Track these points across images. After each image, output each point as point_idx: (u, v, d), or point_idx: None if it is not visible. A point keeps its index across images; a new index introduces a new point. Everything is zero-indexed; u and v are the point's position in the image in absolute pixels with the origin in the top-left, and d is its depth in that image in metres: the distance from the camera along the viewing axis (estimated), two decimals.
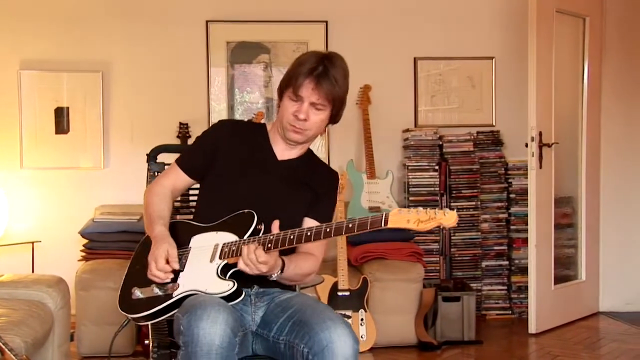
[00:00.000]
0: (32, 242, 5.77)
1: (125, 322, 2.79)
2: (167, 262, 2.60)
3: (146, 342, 2.84)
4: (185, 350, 2.30)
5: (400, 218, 2.37)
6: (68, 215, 5.76)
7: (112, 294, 2.84)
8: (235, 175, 2.81)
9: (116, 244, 5.09)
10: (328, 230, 2.46)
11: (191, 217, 3.01)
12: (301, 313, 2.53)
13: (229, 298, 2.51)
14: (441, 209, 2.36)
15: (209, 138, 2.94)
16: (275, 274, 2.58)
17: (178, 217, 3.16)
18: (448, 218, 2.35)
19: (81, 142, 5.91)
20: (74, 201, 5.84)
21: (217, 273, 2.58)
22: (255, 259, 2.47)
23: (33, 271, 5.70)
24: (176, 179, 2.91)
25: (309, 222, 2.82)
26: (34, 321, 3.93)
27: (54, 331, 4.29)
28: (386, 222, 2.37)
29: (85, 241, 5.31)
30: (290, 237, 2.50)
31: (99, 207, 5.53)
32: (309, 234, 2.49)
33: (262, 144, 2.90)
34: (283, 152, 2.88)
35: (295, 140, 2.80)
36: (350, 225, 2.42)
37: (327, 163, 3.08)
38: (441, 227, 2.38)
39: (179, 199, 3.22)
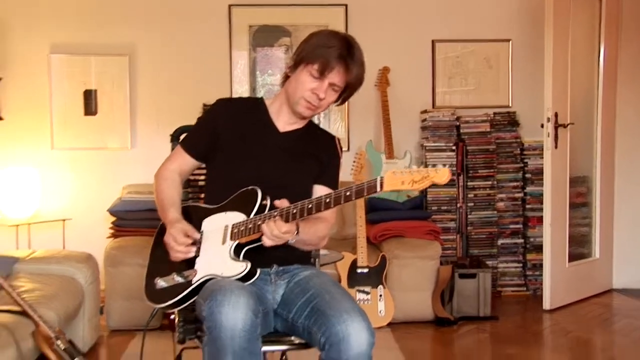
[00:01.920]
0: (63, 220, 5.85)
1: (154, 312, 2.83)
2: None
3: (172, 316, 2.86)
4: (210, 335, 2.31)
5: (395, 180, 2.33)
6: (97, 194, 5.82)
7: (140, 270, 2.87)
8: (239, 153, 2.79)
9: (143, 221, 5.12)
10: (328, 201, 2.42)
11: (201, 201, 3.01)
12: (320, 299, 2.51)
13: (244, 279, 2.51)
14: (434, 166, 2.32)
15: (208, 118, 2.92)
16: (293, 239, 2.54)
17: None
18: (440, 175, 2.30)
19: (109, 124, 5.94)
20: (102, 180, 5.90)
21: (230, 255, 2.57)
22: (278, 232, 2.45)
23: (64, 248, 5.76)
24: (182, 163, 2.90)
25: (319, 190, 2.81)
26: (66, 295, 4.00)
27: (85, 305, 4.35)
28: (382, 186, 2.33)
29: (113, 219, 5.37)
30: (292, 211, 2.47)
31: (127, 186, 5.58)
32: (309, 206, 2.44)
33: (262, 118, 2.86)
34: (285, 125, 2.85)
35: (305, 116, 2.78)
36: (348, 194, 2.38)
37: (328, 130, 2.99)
38: (435, 184, 2.32)
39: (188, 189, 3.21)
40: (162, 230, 2.82)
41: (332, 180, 2.86)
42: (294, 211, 2.47)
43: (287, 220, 2.48)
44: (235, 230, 2.59)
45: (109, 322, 4.99)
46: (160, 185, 2.84)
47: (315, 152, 2.84)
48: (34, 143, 5.93)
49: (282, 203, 2.52)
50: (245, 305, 2.29)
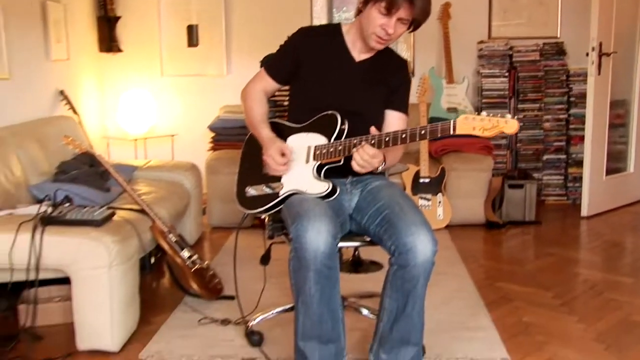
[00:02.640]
0: (172, 135, 5.98)
1: (245, 215, 2.88)
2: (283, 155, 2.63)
3: (262, 216, 2.93)
4: (295, 253, 2.35)
5: (467, 125, 2.32)
6: (199, 113, 5.90)
7: (235, 178, 2.92)
8: (319, 80, 2.74)
9: (237, 136, 5.17)
10: (404, 136, 2.42)
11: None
12: (390, 211, 2.51)
13: (325, 196, 2.54)
14: (503, 117, 2.29)
15: (290, 46, 2.83)
16: (381, 166, 2.53)
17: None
18: (510, 126, 2.29)
19: (208, 54, 5.98)
20: (203, 102, 5.96)
21: (314, 174, 2.59)
22: (368, 158, 2.45)
23: (173, 158, 5.91)
24: (266, 85, 2.87)
25: (390, 114, 2.78)
26: (175, 197, 4.11)
27: (190, 206, 4.48)
28: (454, 130, 2.33)
29: (212, 134, 5.46)
30: (371, 141, 2.45)
31: (223, 107, 5.64)
32: (387, 139, 2.43)
33: (340, 48, 2.77)
34: (360, 54, 2.77)
35: (377, 49, 2.71)
36: (423, 132, 2.39)
37: (398, 54, 2.94)
38: (504, 133, 2.31)
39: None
40: (249, 142, 2.86)
41: (402, 105, 2.82)
42: (372, 142, 2.46)
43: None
44: (318, 152, 2.60)
45: (210, 220, 5.14)
46: (249, 104, 2.85)
47: (386, 79, 2.78)
48: (148, 71, 6.03)
49: (373, 131, 2.49)
50: (327, 231, 2.31)
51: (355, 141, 2.50)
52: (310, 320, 2.44)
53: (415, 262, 2.36)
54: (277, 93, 3.07)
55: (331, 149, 2.56)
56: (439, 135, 2.39)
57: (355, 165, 2.49)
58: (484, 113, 2.33)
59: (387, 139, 2.45)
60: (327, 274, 2.36)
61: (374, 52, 2.76)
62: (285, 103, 3.22)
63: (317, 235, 2.29)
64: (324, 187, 2.55)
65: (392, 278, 2.46)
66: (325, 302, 2.40)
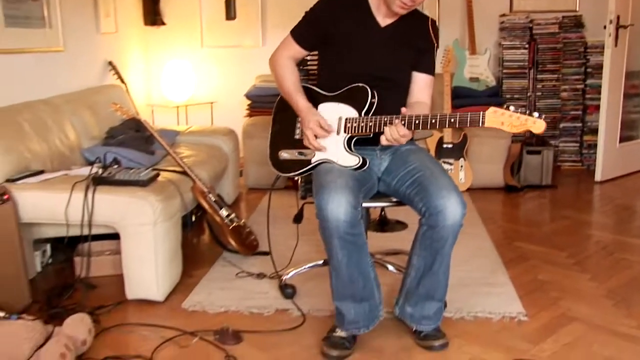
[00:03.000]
0: (211, 103, 5.98)
1: (278, 177, 2.88)
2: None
3: (295, 178, 2.92)
4: (320, 222, 2.35)
5: (496, 119, 2.28)
6: (236, 82, 5.87)
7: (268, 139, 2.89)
8: (345, 46, 2.63)
9: (271, 104, 4.92)
10: (434, 121, 2.38)
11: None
12: (421, 174, 2.48)
13: (356, 169, 2.51)
14: (532, 115, 2.24)
15: (316, 13, 2.70)
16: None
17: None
18: (537, 127, 2.25)
19: (244, 26, 5.93)
20: (240, 72, 5.92)
21: (345, 146, 2.54)
22: (398, 137, 2.41)
23: (212, 124, 5.92)
24: (294, 52, 2.75)
25: (417, 77, 2.71)
26: (214, 160, 4.12)
27: (228, 168, 4.49)
28: (483, 123, 2.29)
29: (248, 102, 5.44)
30: (402, 122, 2.41)
31: (259, 76, 5.60)
32: (417, 122, 2.39)
33: (365, 14, 2.64)
34: (384, 19, 2.64)
35: (401, 14, 2.59)
36: (452, 120, 2.36)
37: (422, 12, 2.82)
38: (530, 132, 2.27)
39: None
40: (280, 105, 2.81)
41: (428, 67, 2.74)
42: (403, 122, 2.41)
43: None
44: (349, 125, 2.54)
45: (247, 182, 5.15)
46: (280, 72, 2.75)
47: (412, 41, 2.67)
48: (189, 43, 6.01)
49: (404, 111, 2.44)
50: (346, 202, 2.29)
51: (386, 119, 2.46)
52: (341, 282, 2.45)
53: (444, 223, 2.35)
54: (308, 58, 3.01)
55: (362, 124, 2.51)
56: (468, 125, 2.34)
57: (383, 140, 2.45)
58: (512, 108, 2.27)
59: (417, 121, 2.41)
60: (351, 240, 2.35)
61: (398, 17, 2.63)
62: (312, 66, 3.15)
63: (338, 207, 2.28)
64: (354, 161, 2.51)
65: (422, 238, 2.45)
66: (353, 265, 2.40)
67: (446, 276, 2.52)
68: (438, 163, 2.61)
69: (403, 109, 2.47)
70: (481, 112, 2.29)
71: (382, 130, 2.46)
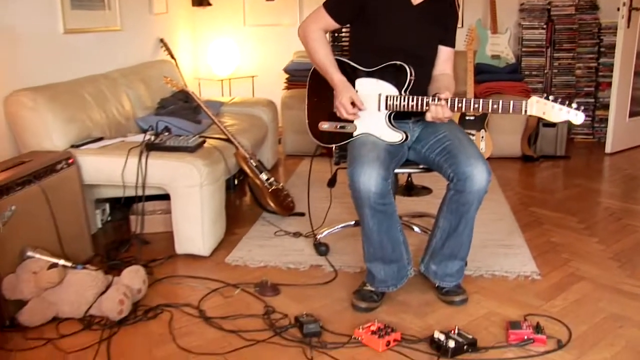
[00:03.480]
0: (252, 76, 5.95)
1: (318, 147, 2.80)
2: (353, 105, 2.46)
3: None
4: (353, 193, 2.32)
5: (538, 108, 2.21)
6: (275, 58, 5.81)
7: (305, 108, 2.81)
8: (379, 23, 2.50)
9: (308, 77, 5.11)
10: (476, 106, 2.32)
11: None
12: (450, 143, 2.44)
13: (400, 143, 2.46)
14: (570, 105, 2.16)
15: None
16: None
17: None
18: (578, 119, 2.18)
19: (283, 6, 5.86)
20: (278, 48, 5.86)
21: (386, 122, 2.45)
22: (442, 117, 2.35)
23: (253, 96, 5.89)
24: (326, 25, 2.58)
25: (442, 50, 2.62)
26: (255, 129, 4.11)
27: (268, 136, 4.48)
28: (526, 111, 2.22)
29: (287, 76, 5.40)
30: (442, 102, 2.33)
31: (296, 52, 5.53)
32: (460, 105, 2.32)
33: None
34: None
35: None
36: (495, 106, 2.28)
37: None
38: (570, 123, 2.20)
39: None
40: (314, 77, 2.70)
41: (451, 40, 2.65)
42: (443, 103, 2.33)
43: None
44: (390, 103, 2.44)
45: (284, 148, 5.15)
46: (313, 45, 2.58)
47: (441, 18, 2.56)
48: (232, 22, 5.97)
49: (446, 95, 2.35)
50: (377, 174, 2.25)
51: (427, 100, 2.38)
52: (372, 246, 2.43)
53: (471, 189, 2.33)
54: (343, 32, 2.93)
55: (404, 102, 2.41)
56: (511, 112, 2.26)
57: (428, 116, 2.38)
58: (551, 97, 2.20)
59: (459, 104, 2.34)
60: (382, 209, 2.32)
61: None
62: (345, 39, 2.98)
63: (369, 180, 2.25)
64: (398, 137, 2.44)
65: (449, 201, 2.42)
66: (383, 231, 2.38)
67: (469, 238, 2.49)
68: (466, 134, 2.55)
69: (446, 94, 2.36)
70: (524, 101, 2.22)
71: (423, 109, 2.39)
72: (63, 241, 2.73)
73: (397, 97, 2.43)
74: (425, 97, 2.39)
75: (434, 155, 2.49)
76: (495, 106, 2.29)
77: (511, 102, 2.26)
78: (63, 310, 2.41)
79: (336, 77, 2.52)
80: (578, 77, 5.56)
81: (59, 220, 2.71)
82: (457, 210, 2.40)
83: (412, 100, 2.40)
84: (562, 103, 2.20)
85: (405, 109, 2.43)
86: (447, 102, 2.35)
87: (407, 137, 2.46)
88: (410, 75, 2.43)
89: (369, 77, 2.51)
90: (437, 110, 2.35)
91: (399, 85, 2.44)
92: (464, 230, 2.45)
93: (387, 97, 2.45)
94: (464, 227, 2.44)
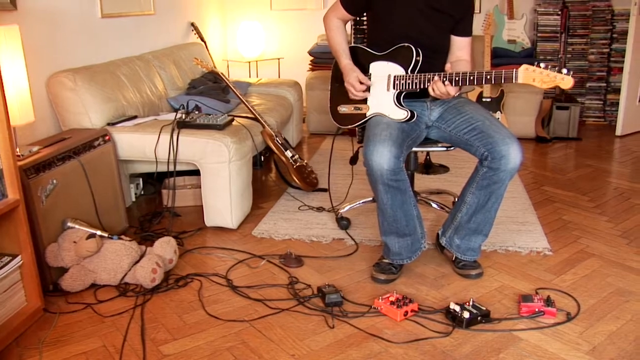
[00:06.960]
0: (278, 58, 5.90)
1: (338, 130, 2.82)
2: (360, 83, 2.49)
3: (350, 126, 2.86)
4: (367, 171, 2.30)
5: (528, 76, 2.16)
6: (300, 41, 5.76)
7: (329, 94, 2.82)
8: (388, 12, 2.50)
9: (331, 60, 4.93)
10: (472, 77, 2.27)
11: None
12: (481, 123, 2.38)
13: (406, 121, 2.43)
14: (560, 72, 2.11)
15: None
16: (456, 93, 2.38)
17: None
18: (565, 83, 2.12)
19: None
20: (303, 31, 5.80)
21: (394, 101, 2.45)
22: (439, 93, 2.33)
23: (279, 77, 5.85)
24: (342, 15, 2.66)
25: (457, 40, 2.57)
26: (281, 108, 4.09)
27: (293, 116, 4.46)
28: (517, 78, 2.18)
29: (311, 58, 5.35)
30: (443, 78, 2.31)
31: (320, 36, 5.47)
32: (457, 79, 2.29)
33: None
34: None
35: None
36: (488, 77, 2.24)
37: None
38: (559, 87, 2.14)
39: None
40: (337, 66, 2.71)
41: (467, 31, 2.58)
42: (443, 79, 2.31)
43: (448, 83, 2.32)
44: (397, 82, 2.45)
45: (309, 127, 5.12)
46: (329, 33, 2.68)
47: (450, 9, 2.49)
48: (259, 6, 5.90)
49: (448, 68, 2.33)
50: (389, 152, 2.23)
51: (429, 76, 2.37)
52: (386, 220, 2.41)
53: (506, 167, 2.29)
54: (364, 19, 2.90)
55: (409, 81, 2.42)
56: (502, 81, 2.23)
57: (431, 92, 2.37)
58: (542, 65, 2.15)
59: (457, 78, 2.31)
60: (394, 185, 2.30)
61: None
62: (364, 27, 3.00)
63: (381, 158, 2.23)
64: (403, 114, 2.43)
65: (481, 178, 2.37)
66: (397, 206, 2.35)
67: (496, 214, 2.46)
68: (491, 114, 2.50)
69: (447, 66, 2.38)
70: (514, 70, 2.19)
71: (426, 86, 2.38)
72: (100, 213, 2.75)
73: (402, 77, 2.44)
74: (427, 74, 2.38)
75: (462, 134, 2.43)
76: (488, 77, 2.25)
77: (502, 72, 2.22)
78: (101, 277, 2.43)
79: (343, 61, 2.60)
80: (591, 62, 5.43)
81: (96, 193, 2.72)
82: (489, 187, 2.36)
83: (416, 79, 2.40)
84: (552, 69, 2.15)
85: (411, 87, 2.42)
86: (439, 77, 2.32)
87: (412, 114, 2.43)
88: (417, 55, 2.42)
89: (380, 61, 2.52)
90: (435, 87, 2.33)
91: (406, 66, 2.44)
92: (492, 206, 2.41)
93: (395, 77, 2.46)
94: (494, 203, 2.40)
